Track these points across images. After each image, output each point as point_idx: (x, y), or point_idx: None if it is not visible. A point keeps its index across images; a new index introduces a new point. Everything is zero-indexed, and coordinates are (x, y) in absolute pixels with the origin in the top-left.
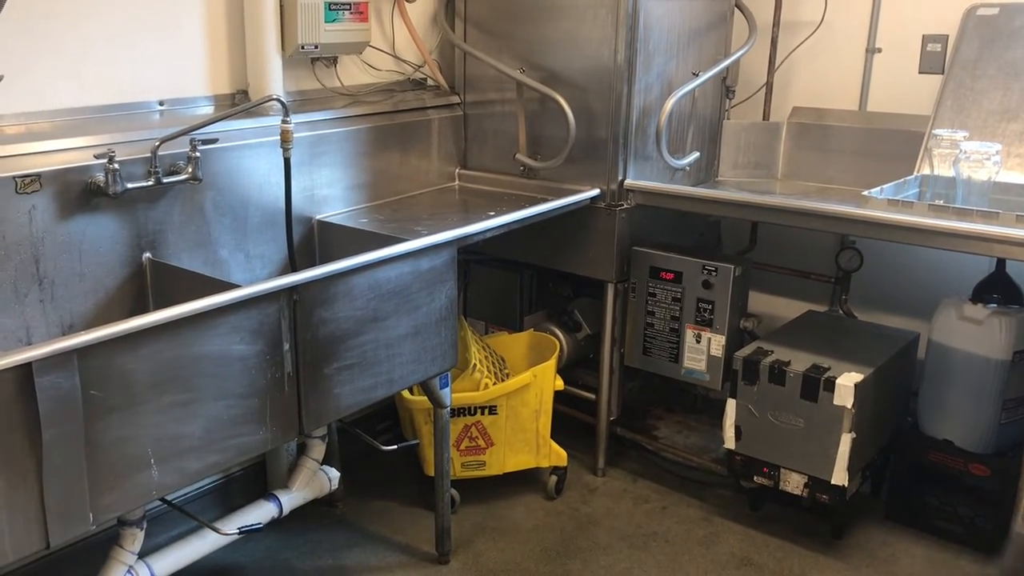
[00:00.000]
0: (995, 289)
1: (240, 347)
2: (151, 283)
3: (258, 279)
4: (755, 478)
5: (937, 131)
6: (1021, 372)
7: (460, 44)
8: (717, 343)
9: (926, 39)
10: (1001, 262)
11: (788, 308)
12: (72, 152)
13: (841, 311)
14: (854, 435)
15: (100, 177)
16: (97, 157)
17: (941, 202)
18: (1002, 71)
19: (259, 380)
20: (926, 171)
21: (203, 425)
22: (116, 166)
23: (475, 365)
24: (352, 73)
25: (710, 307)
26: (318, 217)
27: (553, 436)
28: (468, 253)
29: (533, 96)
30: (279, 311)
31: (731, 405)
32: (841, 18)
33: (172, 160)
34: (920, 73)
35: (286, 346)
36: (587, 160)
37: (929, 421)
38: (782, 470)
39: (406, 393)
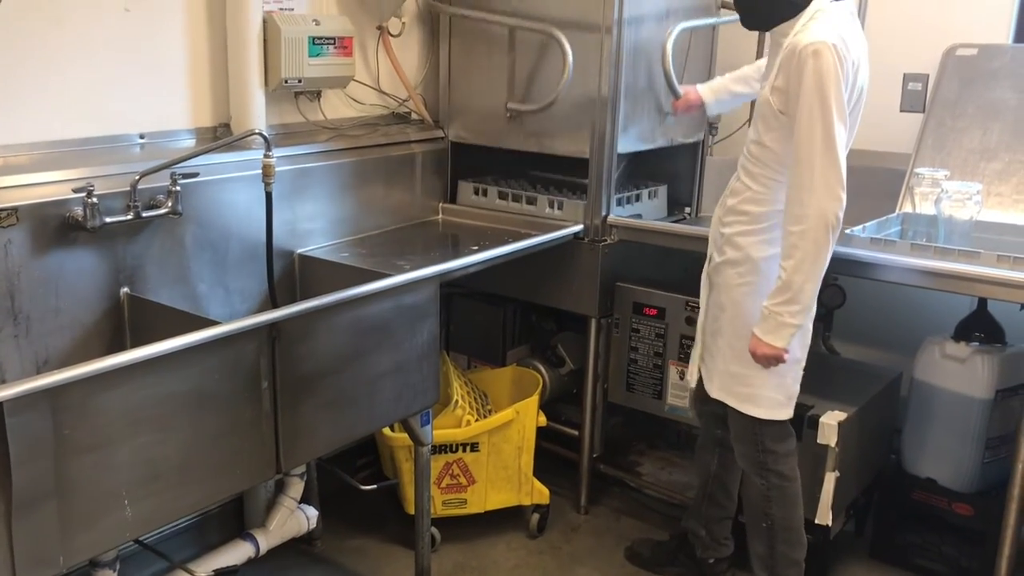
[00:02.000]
0: (977, 327)
1: (218, 385)
2: (129, 318)
3: (238, 314)
4: (738, 517)
5: (919, 170)
6: (1004, 411)
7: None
8: None
9: (907, 78)
10: (983, 301)
11: None
12: (51, 186)
13: (824, 348)
14: (838, 474)
15: (79, 211)
16: (76, 191)
17: (923, 241)
18: (981, 111)
19: (237, 418)
20: (908, 209)
21: (179, 464)
22: (95, 200)
23: (457, 401)
24: (336, 107)
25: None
26: (299, 251)
27: (535, 473)
28: (451, 287)
29: (525, 41)
30: (258, 348)
31: None
32: None
33: (152, 194)
34: (901, 111)
35: (265, 384)
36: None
37: (913, 459)
38: None
39: (386, 429)
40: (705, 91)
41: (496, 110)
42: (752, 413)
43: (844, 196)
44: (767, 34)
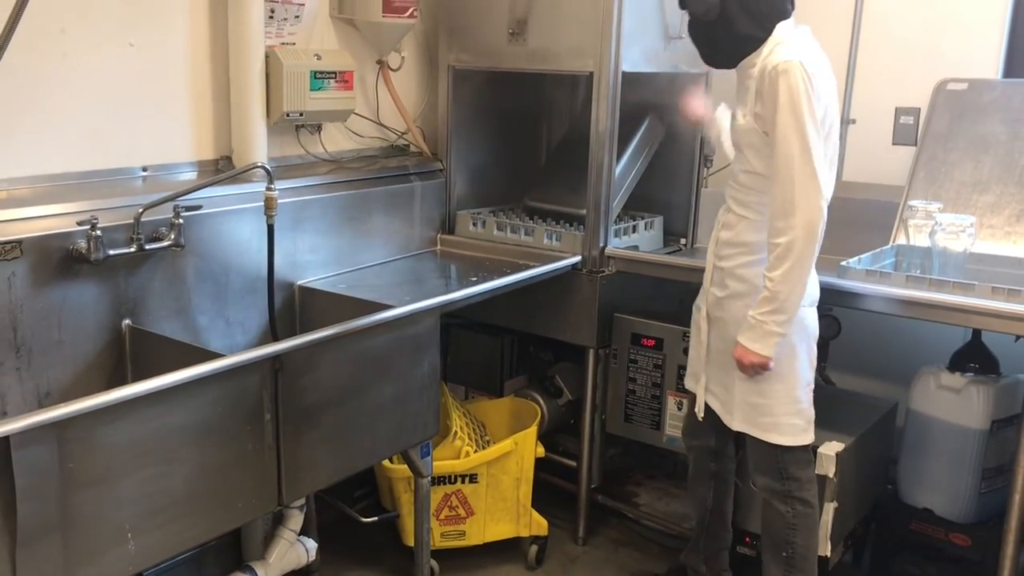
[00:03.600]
0: (972, 358)
1: (221, 417)
2: (130, 350)
3: (238, 346)
4: (738, 548)
5: (912, 202)
6: (1000, 441)
7: None
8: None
9: (899, 112)
10: (977, 332)
11: None
12: (54, 219)
13: (820, 378)
14: (836, 504)
15: (82, 243)
16: (80, 224)
17: (918, 272)
18: (972, 144)
19: (240, 451)
20: (902, 241)
21: (182, 497)
22: (98, 232)
23: (456, 432)
24: (336, 139)
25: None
26: (300, 283)
27: (533, 504)
28: (449, 317)
29: None
30: (261, 381)
31: None
32: None
33: (155, 226)
34: (894, 144)
35: (267, 416)
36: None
37: (909, 490)
38: None
39: (386, 461)
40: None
41: (498, 29)
42: (777, 441)
43: (825, 207)
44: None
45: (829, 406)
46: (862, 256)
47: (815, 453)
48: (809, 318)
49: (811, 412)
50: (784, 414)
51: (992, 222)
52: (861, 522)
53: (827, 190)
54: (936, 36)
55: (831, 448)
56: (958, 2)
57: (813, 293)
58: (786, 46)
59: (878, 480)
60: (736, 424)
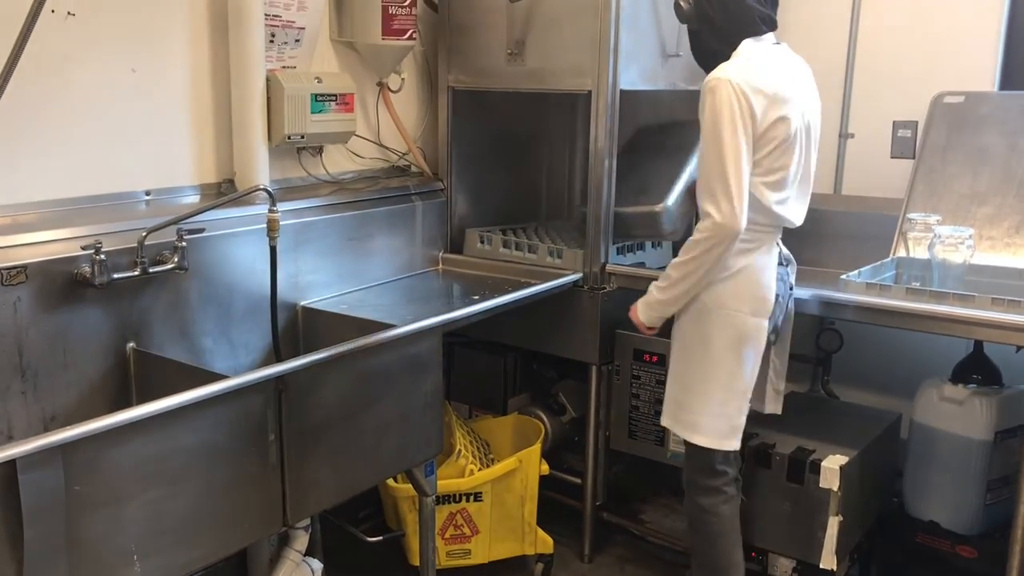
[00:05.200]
0: (974, 370)
1: (226, 438)
2: (135, 373)
3: (242, 367)
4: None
5: (911, 215)
6: (1004, 452)
7: None
8: None
9: (896, 125)
10: (979, 343)
11: None
12: (58, 243)
13: (823, 392)
14: (841, 518)
15: (86, 268)
16: (84, 248)
17: (918, 284)
18: (970, 156)
19: (244, 471)
20: (901, 253)
21: (187, 519)
22: (102, 257)
23: (460, 451)
24: (337, 161)
25: None
26: (302, 303)
27: (539, 522)
28: (451, 336)
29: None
30: (265, 401)
31: None
32: None
33: (158, 250)
34: (892, 158)
35: (272, 436)
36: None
37: (915, 502)
38: (770, 555)
39: (390, 480)
40: None
41: (497, 50)
42: (695, 440)
43: (739, 216)
44: None
45: (832, 419)
46: (862, 269)
47: (820, 467)
48: (749, 326)
49: (739, 421)
50: (705, 414)
51: (991, 233)
52: (867, 535)
53: (742, 204)
54: (932, 49)
55: (835, 461)
56: (954, 16)
57: (756, 303)
58: (729, 63)
59: (883, 493)
60: (663, 420)
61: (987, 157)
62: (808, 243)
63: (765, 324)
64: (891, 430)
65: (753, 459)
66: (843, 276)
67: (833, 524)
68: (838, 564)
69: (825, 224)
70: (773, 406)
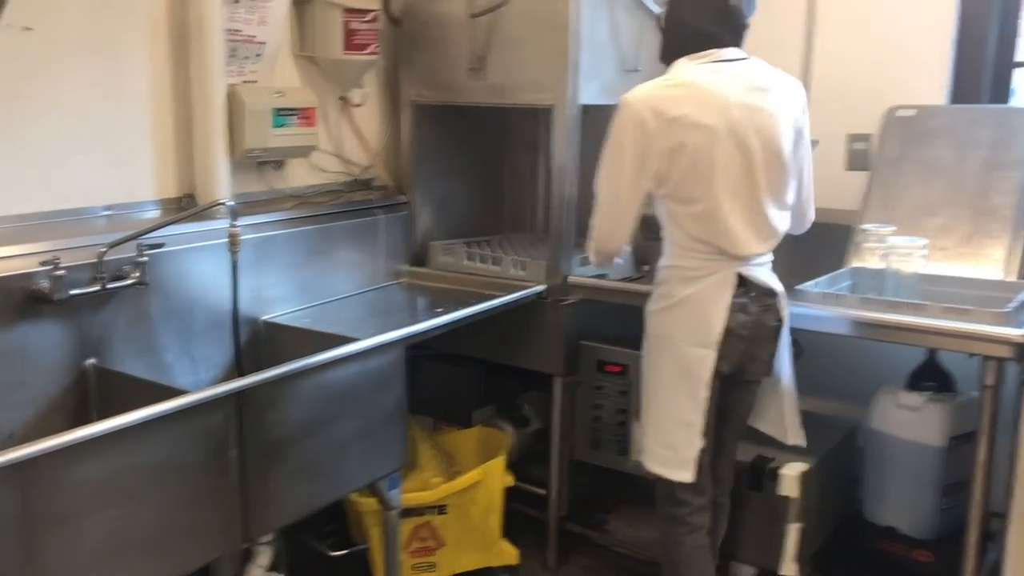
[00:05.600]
0: (929, 377)
1: (186, 454)
2: (95, 389)
3: (203, 383)
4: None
5: (865, 226)
6: (958, 458)
7: None
8: None
9: (851, 138)
10: (933, 351)
11: None
12: (16, 259)
13: None
14: (801, 525)
15: (44, 283)
16: (42, 264)
17: (873, 294)
18: (922, 168)
19: (205, 487)
20: (856, 264)
21: (147, 536)
22: (61, 272)
23: (424, 464)
24: (299, 175)
25: None
26: (264, 318)
27: (504, 534)
28: (415, 349)
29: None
30: (226, 417)
31: None
32: None
33: (118, 265)
34: (848, 170)
35: (232, 452)
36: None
37: (873, 508)
38: (732, 563)
39: (354, 494)
40: None
41: (459, 65)
42: (647, 467)
43: (608, 238)
44: None
45: None
46: (819, 280)
47: (778, 475)
48: (690, 357)
49: (688, 452)
50: (654, 442)
51: (944, 244)
52: (827, 542)
53: (612, 226)
54: (886, 64)
55: (794, 469)
56: (905, 31)
57: (699, 334)
58: (649, 82)
59: (843, 500)
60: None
61: (939, 169)
62: None
63: (710, 355)
64: (849, 437)
65: None
66: (798, 287)
67: (793, 531)
68: (799, 571)
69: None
70: (795, 437)
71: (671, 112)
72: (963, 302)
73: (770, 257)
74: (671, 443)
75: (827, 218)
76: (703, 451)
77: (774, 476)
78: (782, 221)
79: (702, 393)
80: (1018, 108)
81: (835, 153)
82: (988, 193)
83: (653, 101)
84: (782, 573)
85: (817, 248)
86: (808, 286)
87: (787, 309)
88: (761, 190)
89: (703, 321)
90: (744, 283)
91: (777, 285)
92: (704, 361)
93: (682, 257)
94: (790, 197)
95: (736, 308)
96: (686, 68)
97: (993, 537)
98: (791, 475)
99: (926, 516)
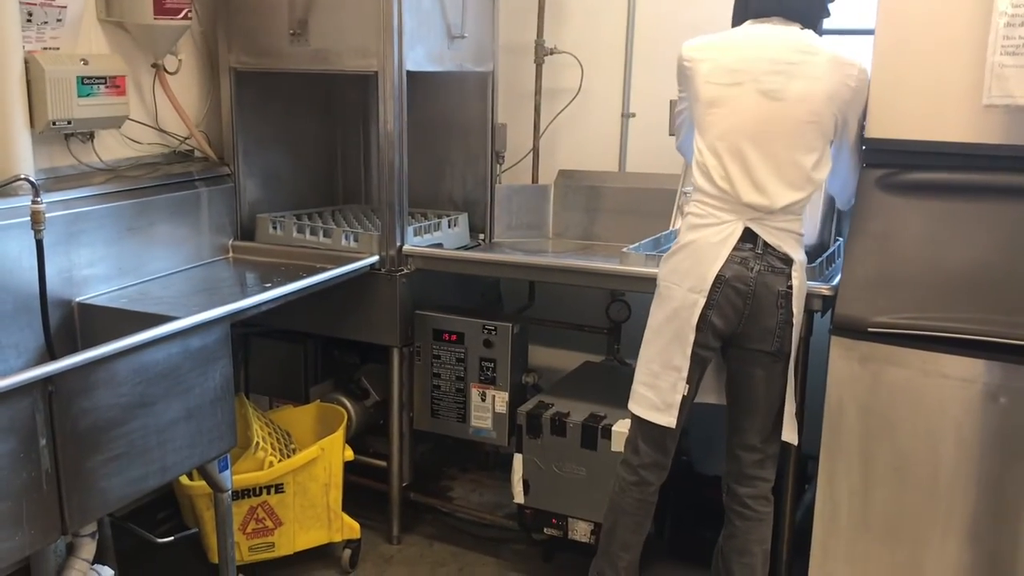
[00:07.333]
0: None
1: None
2: None
3: (13, 370)
4: (545, 530)
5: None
6: None
7: None
8: (501, 400)
9: (673, 104)
10: None
11: (568, 360)
12: None
13: (615, 360)
14: None
15: None
16: None
17: None
18: None
19: (13, 481)
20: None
21: None
22: None
23: (258, 443)
24: (111, 148)
25: (492, 365)
26: (78, 299)
27: (346, 507)
28: (247, 326)
29: None
30: (33, 404)
31: (518, 460)
32: (597, 85)
33: None
34: (670, 135)
35: (42, 442)
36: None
37: (701, 460)
38: (569, 519)
39: (184, 479)
40: None
41: (279, 30)
42: (630, 407)
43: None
44: None
45: (624, 386)
46: (642, 242)
47: (611, 432)
48: (683, 301)
49: (672, 398)
50: (640, 384)
51: None
52: (660, 495)
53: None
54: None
55: (625, 426)
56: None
57: (694, 279)
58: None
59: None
60: None
61: None
62: (597, 219)
63: (700, 300)
64: None
65: (549, 428)
66: (623, 249)
67: None
68: None
69: (611, 201)
70: (787, 434)
71: (707, 57)
72: None
73: (796, 226)
74: (656, 385)
75: (653, 183)
76: (686, 399)
77: (606, 433)
78: (788, 185)
79: (689, 336)
80: None
81: (659, 120)
82: None
83: (695, 46)
84: None
85: (645, 211)
86: (632, 248)
87: (805, 282)
88: (773, 144)
89: (698, 265)
90: (753, 240)
91: (796, 254)
92: (694, 306)
93: (694, 205)
94: (806, 161)
95: (736, 259)
96: (744, 28)
97: (810, 479)
98: (622, 431)
99: None
